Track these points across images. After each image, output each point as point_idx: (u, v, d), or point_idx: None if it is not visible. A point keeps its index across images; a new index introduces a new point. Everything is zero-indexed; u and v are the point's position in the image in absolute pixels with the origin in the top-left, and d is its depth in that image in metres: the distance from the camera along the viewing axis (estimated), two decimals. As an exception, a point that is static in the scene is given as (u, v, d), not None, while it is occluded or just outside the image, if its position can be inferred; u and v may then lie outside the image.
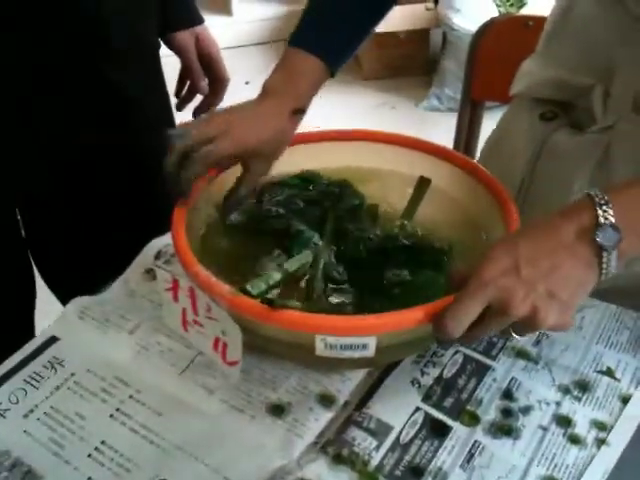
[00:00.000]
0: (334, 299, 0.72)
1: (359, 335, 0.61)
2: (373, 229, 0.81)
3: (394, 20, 3.07)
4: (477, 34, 1.25)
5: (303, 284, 0.74)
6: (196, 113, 1.10)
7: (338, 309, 0.71)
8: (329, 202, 0.84)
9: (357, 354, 0.62)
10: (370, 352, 0.62)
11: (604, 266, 0.58)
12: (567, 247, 0.58)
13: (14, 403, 0.69)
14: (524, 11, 2.68)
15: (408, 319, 0.61)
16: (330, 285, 0.74)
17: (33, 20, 0.83)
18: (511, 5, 2.74)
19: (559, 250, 0.58)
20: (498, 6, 2.74)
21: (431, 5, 3.09)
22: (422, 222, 0.84)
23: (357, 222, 0.83)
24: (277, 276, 0.70)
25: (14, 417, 0.68)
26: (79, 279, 0.87)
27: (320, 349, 0.61)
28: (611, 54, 0.79)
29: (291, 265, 0.73)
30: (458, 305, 0.58)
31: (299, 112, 0.78)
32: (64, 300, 1.08)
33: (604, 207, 0.58)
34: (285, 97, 0.77)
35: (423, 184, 0.86)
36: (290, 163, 0.87)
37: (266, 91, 0.78)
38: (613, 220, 0.57)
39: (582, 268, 0.59)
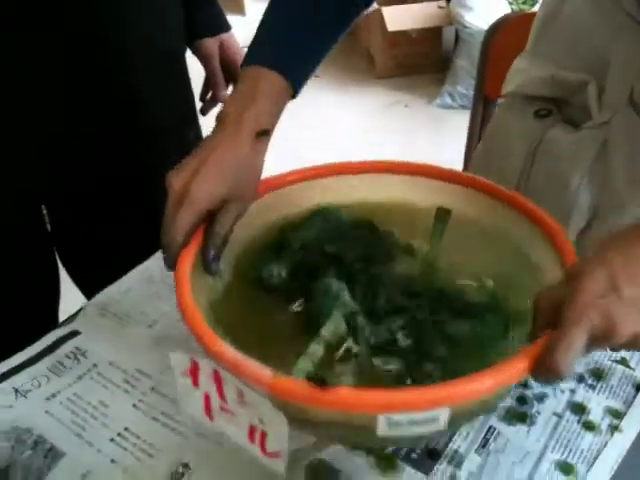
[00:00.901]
0: (381, 363, 0.63)
1: (432, 409, 0.51)
2: (409, 279, 0.71)
3: (406, 19, 3.08)
4: (489, 31, 1.25)
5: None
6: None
7: (391, 377, 0.61)
8: (354, 249, 0.73)
9: (426, 429, 0.52)
10: (441, 424, 0.52)
11: None
12: None
13: (37, 387, 0.70)
14: (536, 8, 2.68)
15: (489, 384, 0.51)
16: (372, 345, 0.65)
17: (33, 20, 0.84)
18: (523, 2, 2.75)
19: None
20: (510, 3, 2.75)
21: (443, 3, 3.10)
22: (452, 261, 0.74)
23: (389, 267, 0.73)
24: (319, 350, 0.61)
25: (36, 398, 0.69)
26: (102, 273, 0.88)
27: (383, 429, 0.51)
28: (603, 50, 0.78)
29: (328, 331, 0.64)
30: (566, 339, 0.50)
31: (263, 134, 0.69)
32: (87, 293, 1.11)
33: None
34: (243, 122, 0.68)
35: (443, 216, 0.76)
36: (302, 199, 0.79)
37: (221, 121, 0.69)
38: None
39: None
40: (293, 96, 0.73)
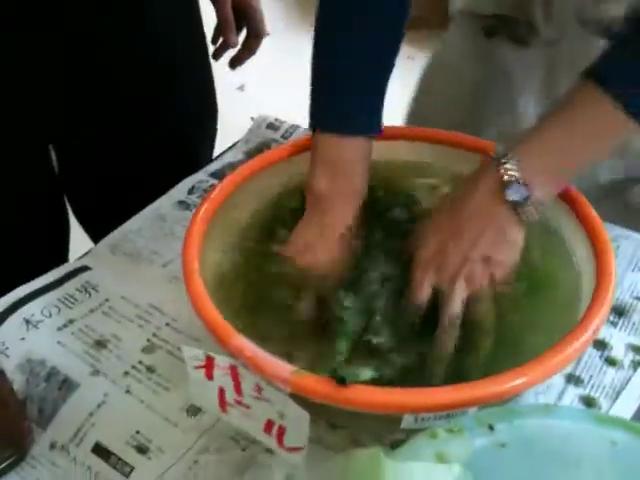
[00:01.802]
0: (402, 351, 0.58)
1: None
2: None
3: (415, -29, 3.02)
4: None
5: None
6: (232, 65, 1.08)
7: (417, 367, 0.57)
8: (375, 212, 0.69)
9: (454, 421, 0.49)
10: (470, 414, 0.50)
11: (524, 219, 0.59)
12: (484, 213, 0.59)
13: (47, 317, 0.69)
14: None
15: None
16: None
17: (33, 20, 0.82)
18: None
19: (478, 217, 0.59)
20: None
21: (453, -45, 3.03)
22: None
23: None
24: (342, 346, 0.57)
25: (48, 329, 0.68)
26: (111, 218, 0.87)
27: (408, 423, 0.50)
28: None
29: (352, 326, 0.59)
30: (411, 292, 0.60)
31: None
32: (96, 239, 1.09)
33: (506, 165, 0.58)
34: (347, 202, 0.66)
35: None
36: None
37: (319, 200, 0.66)
38: (517, 174, 0.57)
39: (505, 228, 0.59)
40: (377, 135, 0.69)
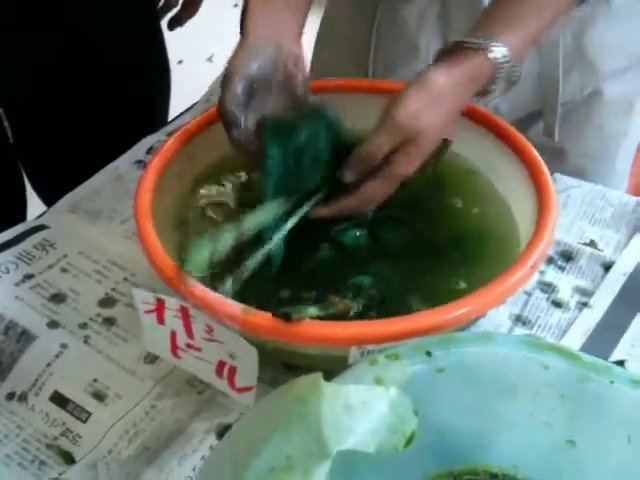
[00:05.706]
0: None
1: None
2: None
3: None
4: None
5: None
6: (170, 26, 1.04)
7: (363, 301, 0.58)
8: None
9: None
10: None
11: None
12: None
13: (5, 273, 0.69)
14: None
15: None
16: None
17: (33, 20, 0.82)
18: None
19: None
20: None
21: None
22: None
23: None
24: (224, 241, 0.56)
25: (5, 284, 0.68)
26: (65, 184, 0.87)
27: (355, 358, 0.51)
28: None
29: (247, 224, 0.59)
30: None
31: None
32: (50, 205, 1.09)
33: (494, 49, 0.58)
34: None
35: (442, 147, 0.67)
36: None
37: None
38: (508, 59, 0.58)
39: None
40: None
